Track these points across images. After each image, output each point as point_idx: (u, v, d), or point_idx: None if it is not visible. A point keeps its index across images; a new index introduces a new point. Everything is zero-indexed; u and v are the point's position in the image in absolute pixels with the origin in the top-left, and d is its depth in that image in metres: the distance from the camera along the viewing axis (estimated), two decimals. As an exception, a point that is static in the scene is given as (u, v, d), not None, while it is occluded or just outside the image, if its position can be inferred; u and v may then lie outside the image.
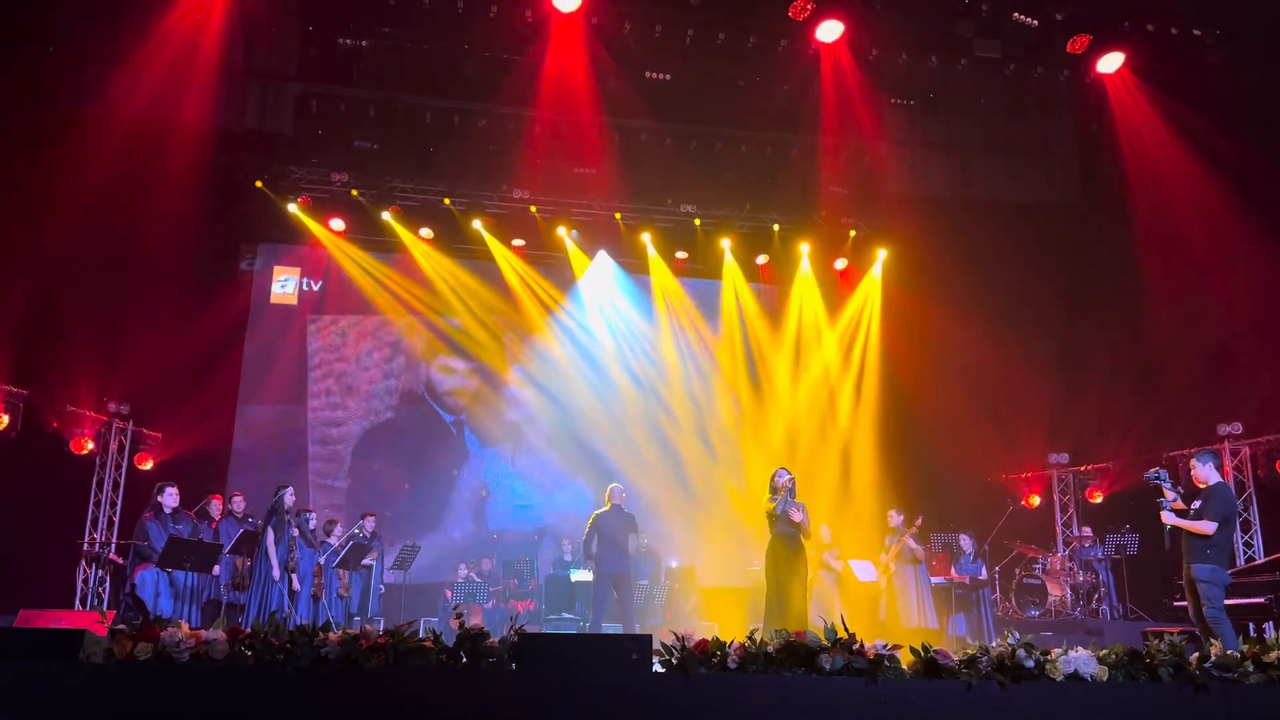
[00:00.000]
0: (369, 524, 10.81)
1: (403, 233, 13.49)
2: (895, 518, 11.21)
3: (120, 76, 10.42)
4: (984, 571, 11.05)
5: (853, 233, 14.44)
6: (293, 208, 12.98)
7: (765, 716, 3.96)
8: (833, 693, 4.00)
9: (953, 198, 13.36)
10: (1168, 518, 7.00)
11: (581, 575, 11.56)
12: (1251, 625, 7.68)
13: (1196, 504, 6.90)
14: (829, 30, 11.26)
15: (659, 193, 13.73)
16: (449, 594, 11.56)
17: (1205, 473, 7.02)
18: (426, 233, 13.61)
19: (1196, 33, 11.22)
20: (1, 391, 10.41)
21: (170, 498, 9.51)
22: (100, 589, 11.36)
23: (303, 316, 13.74)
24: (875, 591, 11.09)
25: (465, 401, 13.95)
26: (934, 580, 11.24)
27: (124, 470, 12.03)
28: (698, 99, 12.47)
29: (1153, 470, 7.20)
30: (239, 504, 9.96)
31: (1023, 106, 12.99)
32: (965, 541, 11.19)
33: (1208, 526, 6.75)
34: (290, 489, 9.54)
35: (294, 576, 9.34)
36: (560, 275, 14.41)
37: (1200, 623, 6.68)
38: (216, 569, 9.42)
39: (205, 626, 4.12)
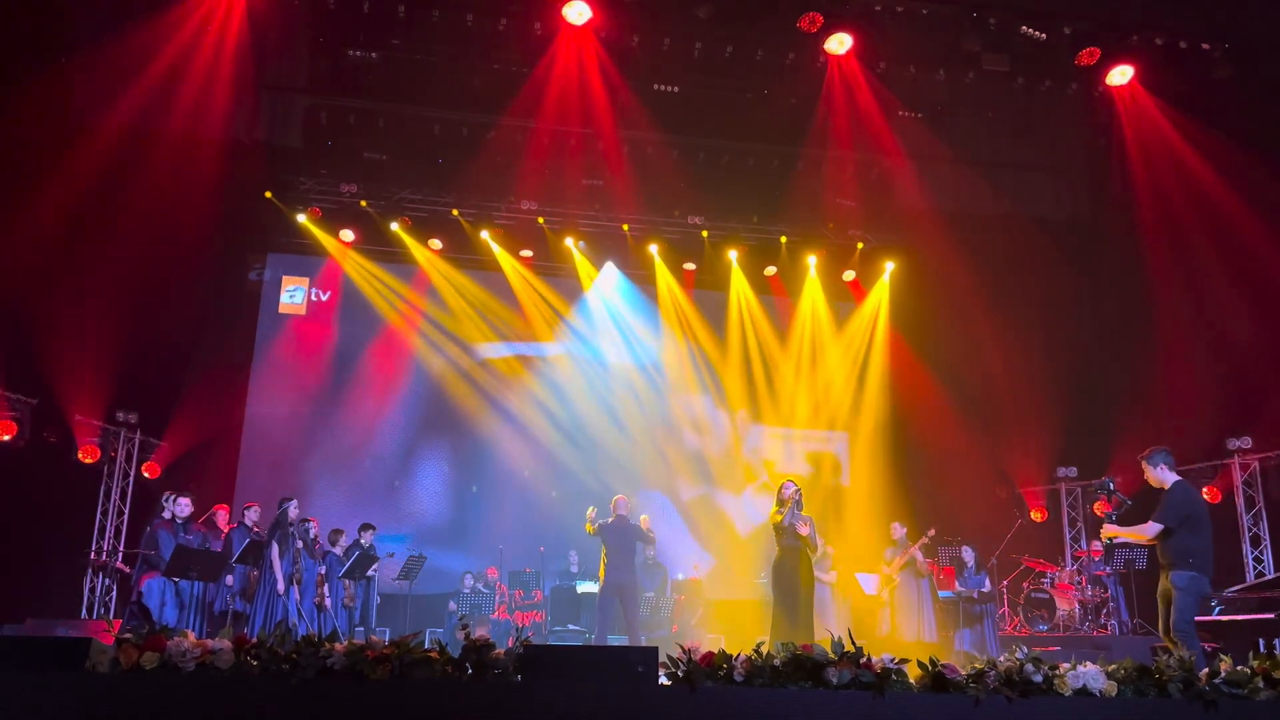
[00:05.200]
0: (368, 536, 10.80)
1: (411, 244, 13.54)
2: (898, 530, 11.20)
3: (131, 88, 10.49)
4: (988, 584, 11.00)
5: (860, 245, 14.42)
6: (302, 218, 13.02)
7: (771, 730, 3.95)
8: (839, 706, 3.98)
9: (960, 211, 13.38)
10: (1108, 528, 6.66)
11: (587, 587, 11.54)
12: (1261, 641, 7.60)
13: None
14: (838, 43, 11.29)
15: (666, 204, 13.75)
16: (453, 606, 11.54)
17: (1159, 475, 6.59)
18: (435, 244, 13.65)
19: (1205, 47, 11.22)
20: (10, 400, 10.44)
21: (183, 508, 9.56)
22: (107, 598, 11.37)
23: (311, 326, 13.77)
24: (877, 604, 11.05)
25: (472, 411, 13.94)
26: (942, 594, 11.19)
27: (131, 479, 12.05)
28: (705, 111, 12.51)
29: (1099, 480, 6.78)
30: (252, 515, 9.96)
31: (1031, 121, 13.00)
32: (967, 553, 11.15)
33: (1149, 529, 6.40)
34: (294, 502, 9.56)
35: (297, 588, 9.35)
36: (568, 286, 14.44)
37: (1167, 635, 6.33)
38: (230, 579, 9.44)
39: (211, 636, 4.12)
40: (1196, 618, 7.75)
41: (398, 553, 11.80)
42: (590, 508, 9.74)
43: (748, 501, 13.96)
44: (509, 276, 14.04)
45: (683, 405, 14.45)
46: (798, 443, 14.47)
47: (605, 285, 14.52)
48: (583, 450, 13.68)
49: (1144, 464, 6.64)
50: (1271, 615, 7.71)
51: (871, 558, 11.70)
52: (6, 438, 10.31)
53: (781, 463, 14.14)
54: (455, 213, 13.38)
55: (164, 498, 9.87)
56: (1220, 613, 8.03)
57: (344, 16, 11.21)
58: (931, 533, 11.15)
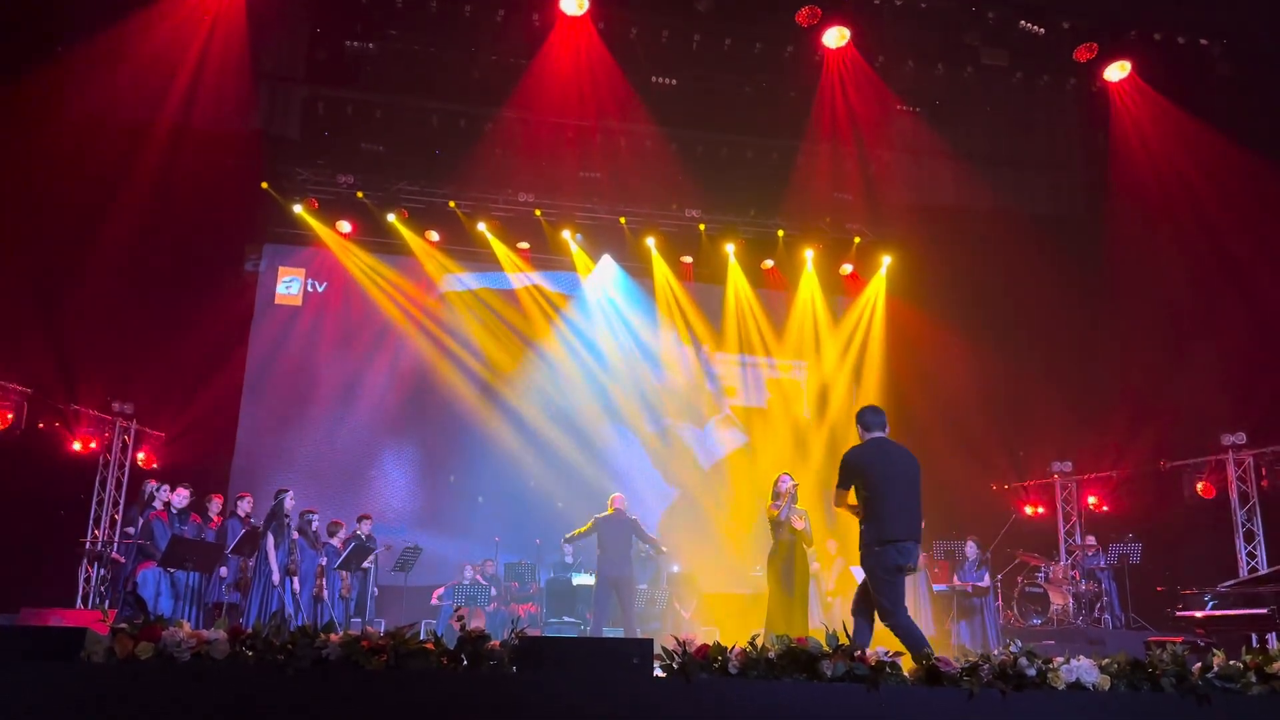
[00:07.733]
0: (365, 526, 10.81)
1: (409, 235, 13.52)
2: None
3: (127, 78, 10.45)
4: (986, 579, 11.02)
5: (857, 239, 14.43)
6: (299, 209, 13.00)
7: (766, 722, 3.95)
8: (833, 699, 3.98)
9: (958, 206, 13.38)
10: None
11: (583, 579, 11.56)
12: (1254, 636, 7.63)
13: None
14: (836, 37, 11.29)
15: (664, 197, 13.73)
16: (436, 599, 11.58)
17: (860, 435, 5.93)
18: (433, 235, 13.64)
19: (1203, 43, 11.23)
20: (6, 390, 10.42)
21: (181, 499, 9.55)
22: (102, 587, 11.35)
23: (307, 317, 13.73)
24: None
25: (468, 404, 13.92)
26: (936, 587, 11.22)
27: (127, 469, 12.04)
28: (703, 104, 12.49)
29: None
30: (245, 506, 9.95)
31: (1029, 116, 12.99)
32: (970, 548, 11.16)
33: (835, 499, 5.76)
34: (291, 494, 9.57)
35: (294, 579, 9.35)
36: (564, 278, 14.42)
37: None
38: (224, 570, 9.43)
39: (206, 627, 4.12)
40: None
41: (395, 544, 11.81)
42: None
43: (745, 493, 13.96)
44: (505, 268, 14.03)
45: (678, 396, 14.49)
46: (794, 434, 14.51)
47: (602, 277, 14.51)
48: (577, 441, 13.67)
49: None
50: (1264, 610, 7.72)
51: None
52: (1, 427, 10.29)
53: (778, 456, 14.13)
54: (452, 204, 13.37)
55: (155, 488, 9.85)
56: (1213, 607, 8.06)
57: (342, 7, 11.22)
58: (922, 525, 11.15)
